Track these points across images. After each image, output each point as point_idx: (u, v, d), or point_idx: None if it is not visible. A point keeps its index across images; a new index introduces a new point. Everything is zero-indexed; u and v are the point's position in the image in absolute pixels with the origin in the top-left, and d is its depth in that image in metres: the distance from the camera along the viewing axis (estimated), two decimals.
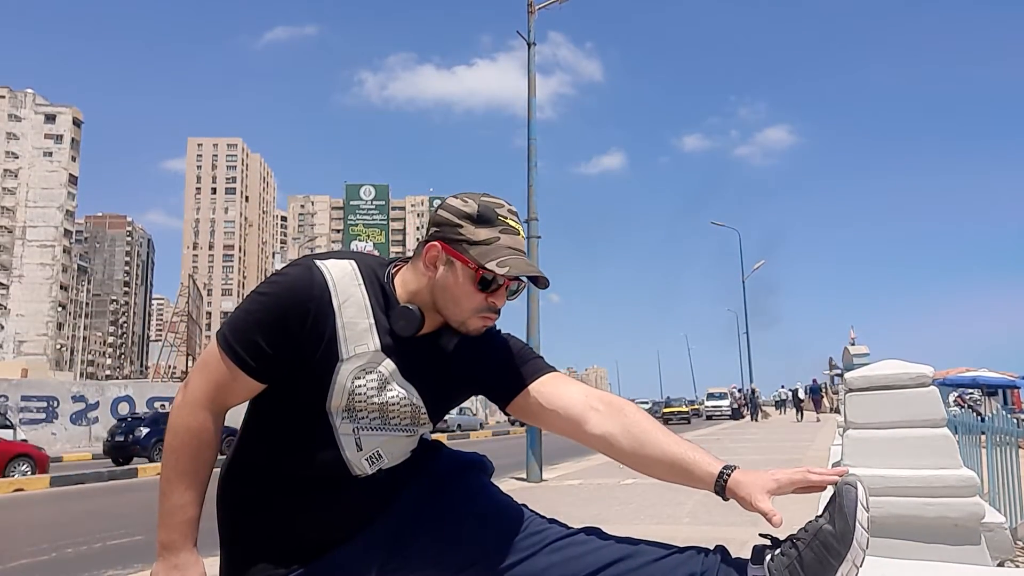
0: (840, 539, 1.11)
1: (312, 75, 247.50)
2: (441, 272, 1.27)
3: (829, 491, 1.23)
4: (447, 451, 1.45)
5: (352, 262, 1.28)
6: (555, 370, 1.41)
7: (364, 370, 1.26)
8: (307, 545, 1.28)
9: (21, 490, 12.85)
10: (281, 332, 1.21)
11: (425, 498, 1.35)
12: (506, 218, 1.28)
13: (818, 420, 27.21)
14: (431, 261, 1.27)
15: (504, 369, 1.39)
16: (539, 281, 1.30)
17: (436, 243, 1.27)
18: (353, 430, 1.28)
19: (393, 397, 1.29)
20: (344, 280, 1.26)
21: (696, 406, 47.62)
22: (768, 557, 1.17)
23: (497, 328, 1.43)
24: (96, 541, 7.33)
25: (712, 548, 1.25)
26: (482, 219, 1.26)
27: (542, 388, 1.37)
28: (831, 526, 1.13)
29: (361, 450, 1.28)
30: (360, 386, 1.26)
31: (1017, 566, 3.97)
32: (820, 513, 1.17)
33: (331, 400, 1.25)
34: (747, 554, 1.30)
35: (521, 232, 1.30)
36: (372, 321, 1.27)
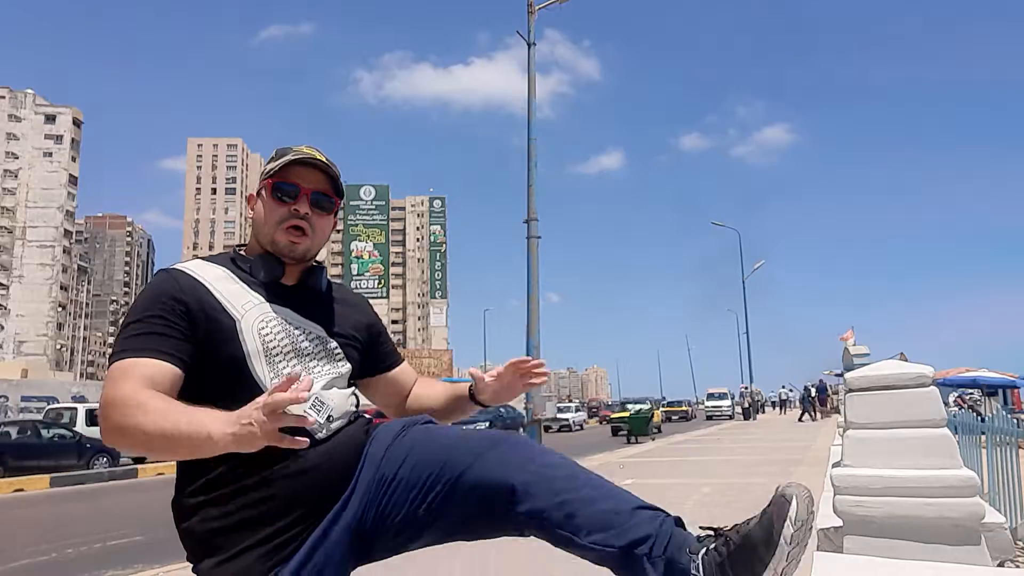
0: (765, 547, 1.11)
1: (309, 74, 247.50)
2: (256, 208, 1.43)
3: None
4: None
5: (199, 259, 1.42)
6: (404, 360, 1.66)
7: (262, 320, 1.34)
8: (281, 531, 1.24)
9: (21, 490, 12.85)
10: (172, 313, 1.27)
11: (379, 456, 1.32)
12: (299, 148, 1.42)
13: (815, 420, 27.04)
14: (250, 207, 1.45)
15: (377, 340, 1.56)
16: (317, 165, 1.40)
17: (250, 194, 1.46)
18: (276, 376, 1.30)
19: (298, 333, 1.37)
20: (198, 266, 1.38)
21: (679, 407, 45.28)
22: (703, 550, 1.15)
23: (361, 295, 1.63)
24: (96, 541, 7.33)
25: (668, 514, 1.21)
26: (278, 155, 1.42)
27: (398, 377, 1.62)
28: (760, 531, 1.13)
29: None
30: (266, 332, 1.33)
31: (1017, 566, 3.96)
32: (758, 514, 1.17)
33: (247, 349, 1.29)
34: None
35: (314, 152, 1.41)
36: (242, 284, 1.37)
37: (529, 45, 12.27)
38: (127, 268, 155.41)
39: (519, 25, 12.43)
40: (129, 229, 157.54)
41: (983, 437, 5.81)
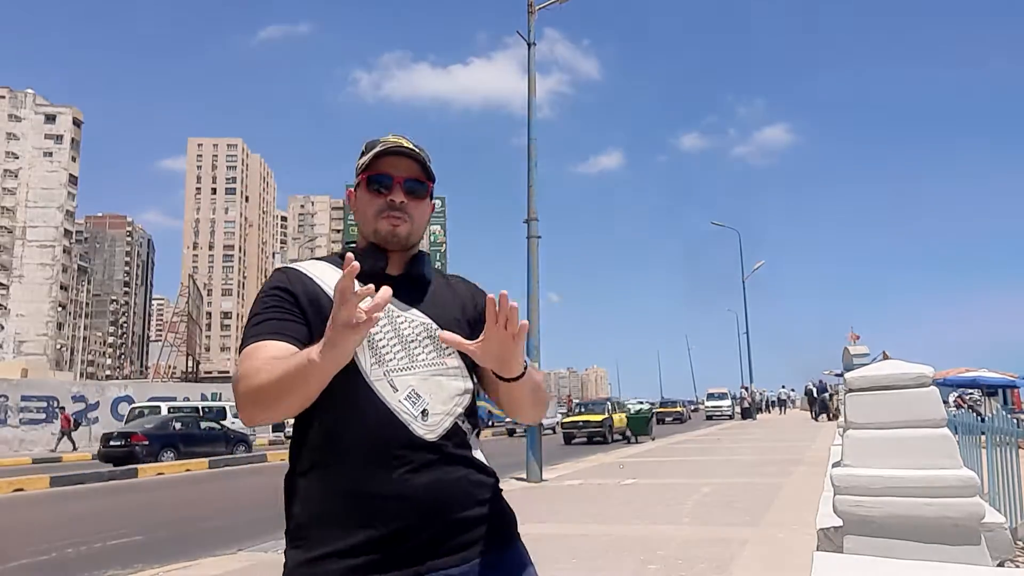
0: None
1: (308, 74, 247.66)
2: (355, 206, 1.46)
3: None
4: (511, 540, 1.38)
5: (311, 259, 1.44)
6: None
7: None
8: (359, 550, 1.22)
9: (21, 490, 12.85)
10: (284, 301, 1.32)
11: None
12: (386, 139, 1.42)
13: (832, 420, 26.75)
14: (351, 206, 1.46)
15: (476, 328, 1.41)
16: (406, 153, 1.41)
17: (348, 190, 1.47)
18: (384, 373, 1.29)
19: (401, 321, 1.34)
20: (308, 263, 1.42)
21: (673, 408, 43.27)
22: None
23: (473, 283, 1.56)
24: (96, 541, 7.32)
25: None
26: (367, 148, 1.43)
27: None
28: None
29: (397, 390, 1.28)
30: None
31: (1017, 566, 3.97)
32: None
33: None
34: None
35: (401, 140, 1.42)
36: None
37: (529, 45, 12.26)
38: (127, 268, 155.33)
39: (518, 24, 12.43)
40: (129, 229, 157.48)
41: (983, 437, 5.81)
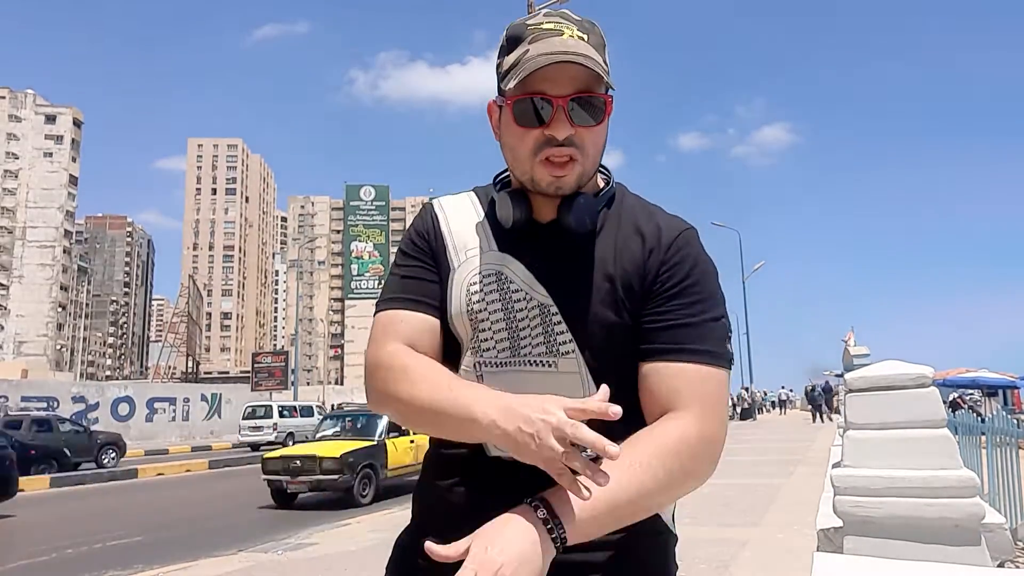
0: None
1: (305, 73, 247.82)
2: (501, 132, 1.04)
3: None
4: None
5: (464, 193, 1.15)
6: (697, 356, 0.96)
7: (481, 273, 1.03)
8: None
9: (21, 490, 12.84)
10: (423, 254, 1.07)
11: None
12: (539, 24, 0.99)
13: (820, 421, 26.77)
14: (494, 127, 1.06)
15: (640, 309, 0.99)
16: (572, 68, 0.94)
17: (490, 101, 1.06)
18: (475, 365, 1.02)
19: (517, 297, 1.00)
20: (453, 199, 1.13)
21: None
22: None
23: (657, 211, 1.07)
24: (96, 541, 7.33)
25: None
26: (511, 42, 1.00)
27: (651, 380, 0.97)
28: None
29: None
30: (476, 291, 1.02)
31: (1017, 566, 3.97)
32: None
33: (451, 309, 1.03)
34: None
35: (565, 29, 0.97)
36: (482, 222, 1.08)
37: None
38: (127, 268, 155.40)
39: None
40: (129, 229, 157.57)
41: (983, 438, 5.81)
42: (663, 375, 0.96)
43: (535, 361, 0.99)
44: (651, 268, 0.99)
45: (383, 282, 1.13)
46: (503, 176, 1.10)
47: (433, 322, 1.04)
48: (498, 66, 1.03)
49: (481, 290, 1.02)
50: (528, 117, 0.97)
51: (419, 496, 1.12)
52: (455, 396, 0.91)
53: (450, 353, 1.05)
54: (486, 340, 1.01)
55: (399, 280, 1.07)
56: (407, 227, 1.13)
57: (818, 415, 27.99)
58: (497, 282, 1.01)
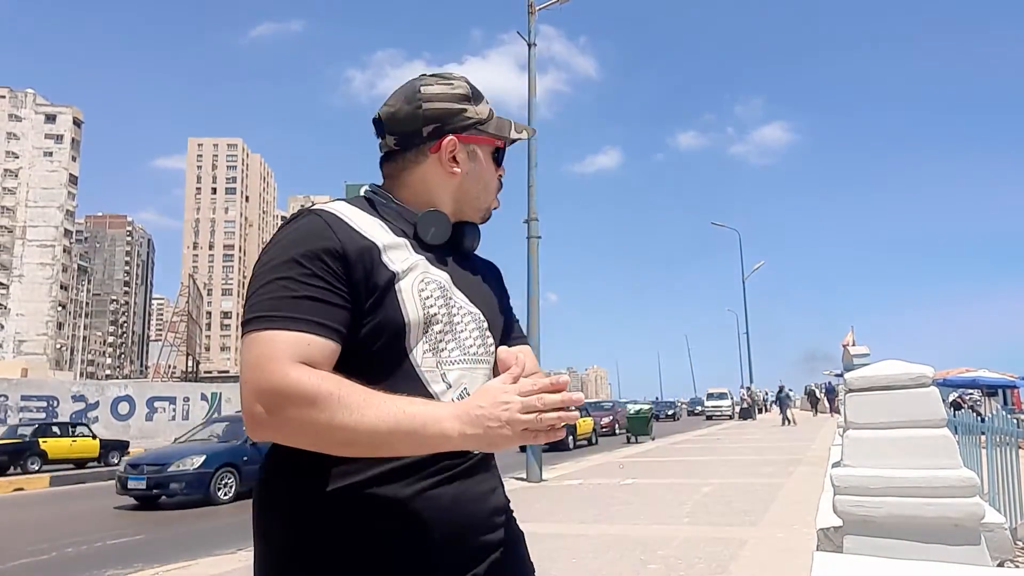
0: None
1: (302, 73, 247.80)
2: (468, 165, 1.19)
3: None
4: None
5: (342, 201, 1.15)
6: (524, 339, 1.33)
7: (423, 280, 1.10)
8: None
9: (21, 490, 12.85)
10: (329, 272, 1.02)
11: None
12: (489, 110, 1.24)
13: (793, 424, 26.53)
14: (451, 157, 1.17)
15: (509, 317, 1.30)
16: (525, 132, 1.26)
17: (452, 137, 1.16)
18: (436, 364, 1.09)
19: (457, 306, 1.14)
20: (348, 209, 1.11)
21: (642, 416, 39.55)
22: None
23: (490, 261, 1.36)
24: (96, 541, 7.33)
25: None
26: (477, 96, 1.21)
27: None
28: None
29: (450, 387, 1.09)
30: (427, 297, 1.09)
31: (1017, 566, 3.96)
32: None
33: (408, 317, 1.06)
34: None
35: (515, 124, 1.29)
36: (402, 238, 1.12)
37: (529, 46, 12.25)
38: (127, 268, 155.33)
39: (514, 22, 12.51)
40: (129, 229, 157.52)
41: (983, 437, 5.81)
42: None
43: (479, 357, 1.16)
44: (501, 280, 1.32)
45: (261, 293, 1.01)
46: (375, 189, 1.20)
47: (329, 346, 1.00)
48: (467, 110, 1.18)
49: (431, 295, 1.11)
50: (499, 159, 1.24)
51: (354, 544, 1.01)
52: (412, 416, 0.95)
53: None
54: (443, 342, 1.11)
55: (285, 300, 0.99)
56: (290, 237, 1.04)
57: (785, 419, 27.53)
58: (440, 290, 1.12)
